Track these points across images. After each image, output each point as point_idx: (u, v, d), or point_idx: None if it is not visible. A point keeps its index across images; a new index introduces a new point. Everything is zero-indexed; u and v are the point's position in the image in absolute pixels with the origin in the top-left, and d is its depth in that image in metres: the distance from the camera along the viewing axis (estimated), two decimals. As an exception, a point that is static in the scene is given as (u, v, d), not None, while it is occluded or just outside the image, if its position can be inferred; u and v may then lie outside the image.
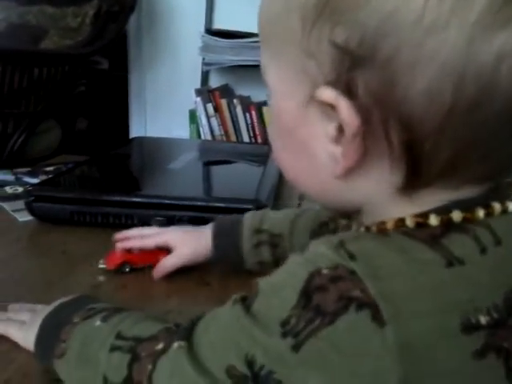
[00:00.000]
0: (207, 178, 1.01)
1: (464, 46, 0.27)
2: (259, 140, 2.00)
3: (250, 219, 0.63)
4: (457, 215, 0.30)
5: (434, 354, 0.28)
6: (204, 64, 2.04)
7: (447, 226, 0.30)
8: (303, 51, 0.31)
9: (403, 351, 0.27)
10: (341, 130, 0.31)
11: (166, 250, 0.65)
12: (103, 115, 2.42)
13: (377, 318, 0.27)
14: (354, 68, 0.29)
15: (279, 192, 0.92)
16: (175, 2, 2.18)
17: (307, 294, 0.29)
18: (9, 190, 0.95)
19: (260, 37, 0.36)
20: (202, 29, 2.07)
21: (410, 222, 0.31)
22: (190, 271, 0.64)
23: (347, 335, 0.28)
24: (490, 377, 0.29)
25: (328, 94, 0.30)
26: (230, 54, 1.95)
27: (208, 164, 1.12)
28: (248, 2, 2.10)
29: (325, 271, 0.29)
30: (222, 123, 2.01)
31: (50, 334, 0.45)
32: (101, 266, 0.65)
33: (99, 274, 0.64)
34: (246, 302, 0.33)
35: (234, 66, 1.96)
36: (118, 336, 0.40)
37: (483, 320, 0.28)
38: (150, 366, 0.36)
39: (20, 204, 0.85)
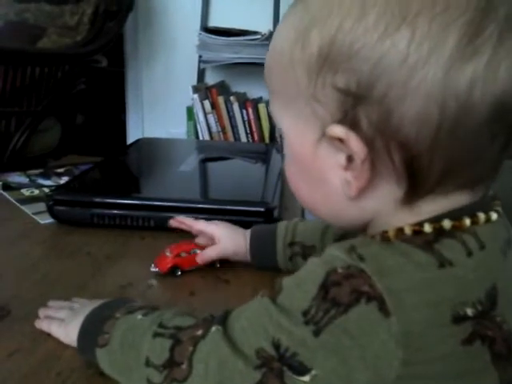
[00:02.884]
0: (217, 180, 1.05)
1: (442, 77, 0.33)
2: (255, 136, 2.05)
3: (283, 233, 0.69)
4: (447, 223, 0.36)
5: (430, 341, 0.33)
6: (201, 62, 2.08)
7: (439, 232, 0.36)
8: (311, 97, 0.37)
9: (404, 338, 0.32)
10: (350, 158, 0.36)
11: None
12: (100, 111, 2.45)
13: (383, 309, 0.32)
14: (356, 106, 0.35)
15: (283, 191, 0.98)
16: (171, 1, 2.21)
17: (325, 287, 0.34)
18: (26, 192, 0.99)
19: (269, 89, 0.42)
20: (198, 27, 2.11)
21: (408, 231, 0.36)
22: (208, 271, 0.70)
23: (358, 323, 0.33)
24: (478, 361, 0.35)
25: (338, 130, 0.36)
26: (227, 51, 1.99)
27: (217, 165, 1.17)
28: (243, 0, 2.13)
29: (339, 270, 0.34)
30: (219, 120, 2.05)
31: (94, 328, 0.49)
32: (153, 269, 0.69)
33: (152, 277, 0.69)
34: (271, 297, 0.38)
35: (230, 63, 2.00)
36: (160, 325, 0.44)
37: (470, 312, 0.34)
38: (190, 348, 0.40)
39: (39, 206, 0.90)
